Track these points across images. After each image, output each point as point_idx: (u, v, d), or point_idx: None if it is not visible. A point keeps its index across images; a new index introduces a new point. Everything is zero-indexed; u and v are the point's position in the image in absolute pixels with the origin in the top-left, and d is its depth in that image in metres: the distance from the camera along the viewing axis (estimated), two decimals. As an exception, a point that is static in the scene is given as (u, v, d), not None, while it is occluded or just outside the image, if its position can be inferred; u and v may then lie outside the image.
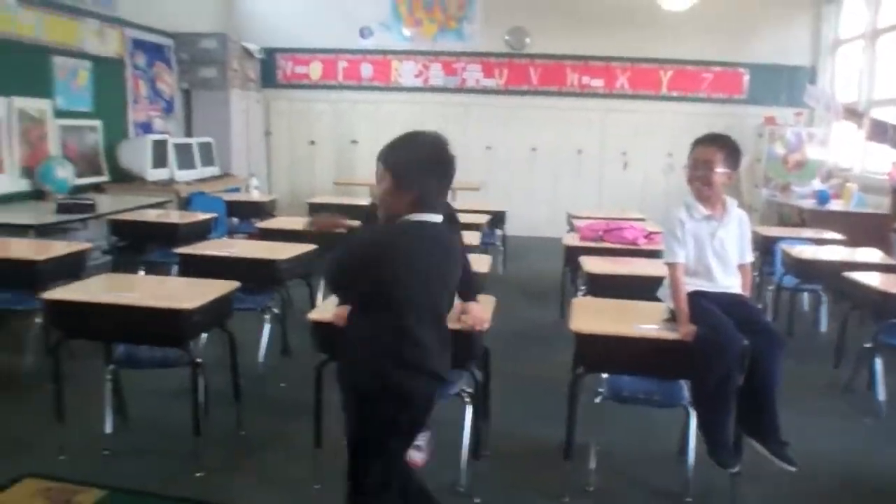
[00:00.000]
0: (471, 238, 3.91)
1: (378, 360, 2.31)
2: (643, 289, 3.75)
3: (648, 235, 5.24)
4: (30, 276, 4.34)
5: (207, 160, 8.53)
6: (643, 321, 3.24)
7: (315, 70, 10.33)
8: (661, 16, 8.90)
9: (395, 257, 2.27)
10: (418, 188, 2.30)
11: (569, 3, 9.72)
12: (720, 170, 3.20)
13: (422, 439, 3.08)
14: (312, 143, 10.17)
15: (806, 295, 6.21)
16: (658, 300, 3.45)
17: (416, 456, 3.06)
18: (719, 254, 3.27)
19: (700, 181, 3.24)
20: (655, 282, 3.57)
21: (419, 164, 2.32)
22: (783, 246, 5.58)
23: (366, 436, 2.38)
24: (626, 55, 9.88)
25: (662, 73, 9.94)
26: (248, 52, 9.52)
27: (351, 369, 2.42)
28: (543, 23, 9.88)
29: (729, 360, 2.95)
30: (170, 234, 5.68)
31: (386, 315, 2.31)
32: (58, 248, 4.70)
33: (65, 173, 6.51)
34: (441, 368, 2.41)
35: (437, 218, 2.37)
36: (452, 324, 3.07)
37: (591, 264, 4.60)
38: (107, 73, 7.56)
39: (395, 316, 2.30)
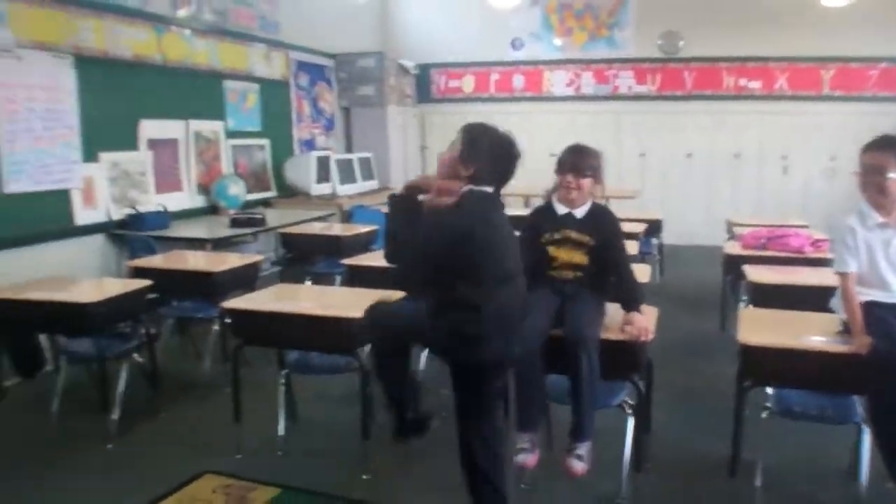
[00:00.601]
0: (628, 247, 3.87)
1: (479, 332, 2.65)
2: (810, 299, 3.61)
3: (815, 243, 5.01)
4: (208, 286, 4.63)
5: (367, 174, 8.79)
6: (813, 333, 3.11)
7: (468, 83, 10.49)
8: (820, 11, 8.49)
9: (484, 227, 2.65)
10: (476, 166, 2.69)
11: (723, 3, 9.37)
12: (893, 175, 3.03)
13: (583, 449, 3.08)
14: (465, 154, 10.22)
15: None
16: (829, 311, 3.31)
17: (577, 465, 3.06)
18: (894, 263, 3.10)
19: (873, 188, 3.08)
20: (823, 292, 3.43)
21: (483, 147, 2.72)
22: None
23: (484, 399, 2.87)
24: (785, 55, 9.37)
25: (824, 73, 9.38)
26: (403, 69, 9.76)
27: (462, 347, 2.73)
28: (697, 25, 9.57)
29: (908, 374, 2.80)
30: (334, 246, 5.92)
31: (473, 288, 2.62)
32: (232, 259, 4.98)
33: (237, 190, 6.89)
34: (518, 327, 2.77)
35: (489, 189, 2.74)
36: (616, 334, 3.10)
37: (756, 273, 4.41)
38: (273, 94, 7.94)
39: (485, 285, 2.62)
